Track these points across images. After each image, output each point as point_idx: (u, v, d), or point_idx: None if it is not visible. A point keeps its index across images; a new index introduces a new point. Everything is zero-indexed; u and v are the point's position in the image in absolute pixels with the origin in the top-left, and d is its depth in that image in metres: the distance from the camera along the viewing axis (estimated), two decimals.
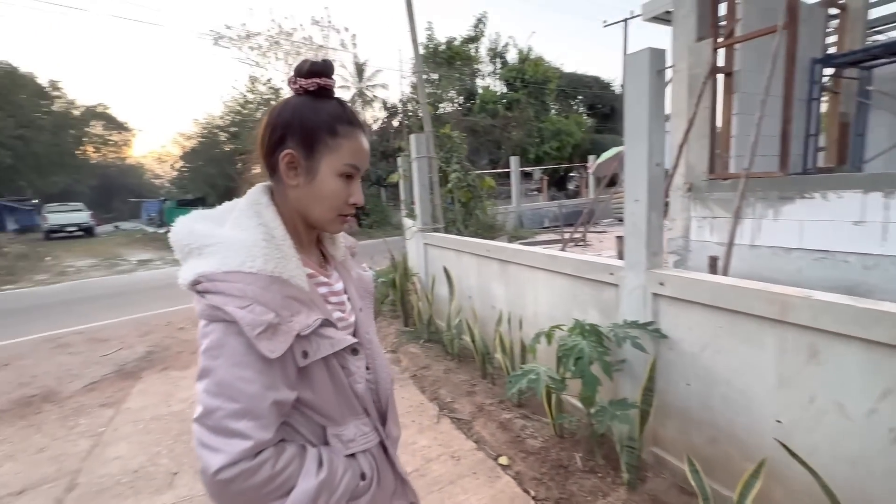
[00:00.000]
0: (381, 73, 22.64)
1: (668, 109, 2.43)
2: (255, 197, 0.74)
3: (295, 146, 0.71)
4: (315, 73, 0.71)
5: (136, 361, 4.13)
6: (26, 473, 2.45)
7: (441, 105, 21.08)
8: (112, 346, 4.65)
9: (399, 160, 7.04)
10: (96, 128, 28.64)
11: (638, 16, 22.45)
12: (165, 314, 5.79)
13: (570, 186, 27.32)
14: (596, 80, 24.80)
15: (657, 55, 1.90)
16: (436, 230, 4.40)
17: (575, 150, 21.62)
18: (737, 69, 4.27)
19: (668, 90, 3.87)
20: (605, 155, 9.29)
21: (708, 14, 4.30)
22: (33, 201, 26.40)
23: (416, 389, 3.20)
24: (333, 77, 0.72)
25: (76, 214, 20.04)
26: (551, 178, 23.67)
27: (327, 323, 0.70)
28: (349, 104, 0.74)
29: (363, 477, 0.74)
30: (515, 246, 3.00)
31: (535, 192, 21.08)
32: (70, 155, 22.15)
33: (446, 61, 21.27)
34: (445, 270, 3.59)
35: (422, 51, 22.77)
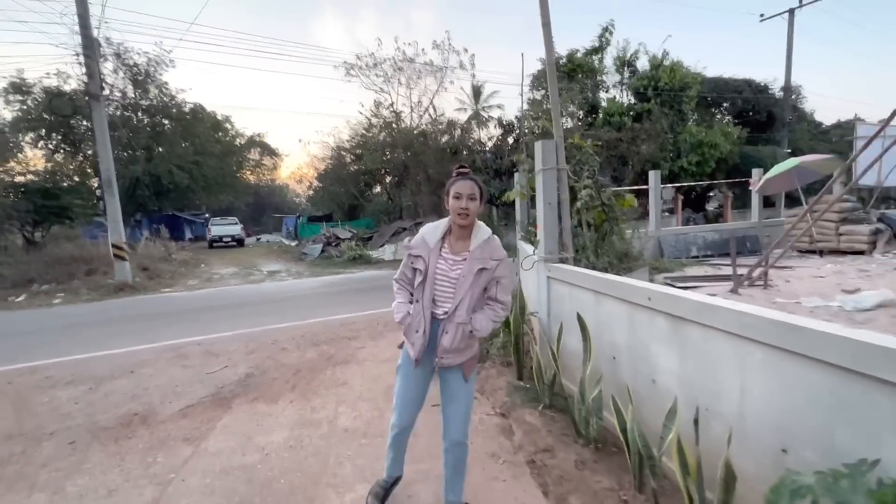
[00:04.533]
0: (498, 93, 22.36)
1: None
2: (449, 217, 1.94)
3: (446, 194, 1.90)
4: (459, 167, 1.96)
5: (233, 385, 3.95)
6: None
7: (561, 120, 19.92)
8: (220, 362, 4.62)
9: (516, 176, 6.28)
10: (253, 154, 33.54)
11: (808, 3, 18.61)
12: (274, 331, 5.77)
13: (709, 207, 23.56)
14: (748, 83, 21.12)
15: None
16: (563, 261, 3.47)
17: (719, 166, 18.51)
18: None
19: None
20: (779, 168, 7.29)
21: None
22: (205, 215, 31.85)
23: (533, 485, 2.29)
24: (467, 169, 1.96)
25: (231, 227, 23.36)
26: (686, 198, 20.64)
27: (420, 257, 1.86)
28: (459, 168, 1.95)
29: (403, 318, 1.90)
30: (699, 297, 1.96)
31: (667, 214, 18.48)
32: (232, 177, 26.05)
33: (566, 74, 20.13)
34: (579, 319, 2.65)
35: (540, 66, 22.02)
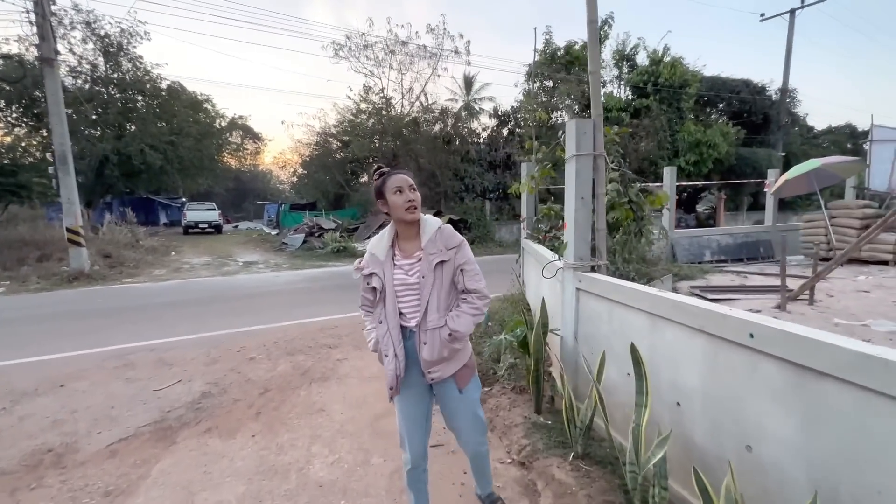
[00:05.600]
0: (490, 85, 21.62)
1: None
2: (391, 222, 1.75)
3: (379, 197, 1.69)
4: (377, 170, 1.74)
5: (183, 409, 3.21)
6: None
7: (555, 114, 19.36)
8: (172, 375, 3.87)
9: (524, 167, 5.62)
10: (234, 137, 32.12)
11: (810, 4, 18.37)
12: (243, 336, 5.02)
13: (699, 209, 23.35)
14: (746, 83, 20.84)
15: None
16: (594, 269, 2.83)
17: (716, 166, 18.21)
18: None
19: None
20: (799, 169, 6.81)
21: None
22: (182, 199, 30.43)
23: None
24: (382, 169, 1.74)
25: (209, 213, 22.19)
26: (679, 199, 20.34)
27: (375, 274, 1.68)
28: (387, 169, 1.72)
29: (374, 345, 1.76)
30: (854, 344, 1.34)
31: (658, 213, 18.12)
32: (210, 160, 24.70)
33: (563, 66, 19.53)
34: (634, 351, 2.01)
35: (537, 57, 21.36)
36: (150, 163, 18.49)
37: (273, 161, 38.43)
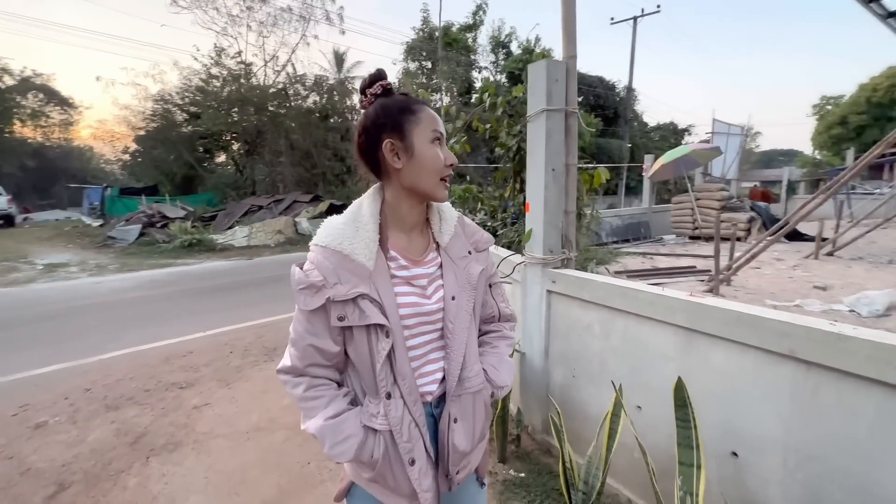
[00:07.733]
0: (363, 63, 20.11)
1: None
2: (369, 191, 0.88)
3: (389, 134, 0.80)
4: (376, 80, 0.84)
5: None
6: None
7: (435, 96, 18.94)
8: None
9: None
10: (31, 101, 24.77)
11: (651, 13, 20.95)
12: (26, 385, 3.26)
13: None
14: (601, 80, 23.19)
15: None
16: (565, 263, 2.18)
17: (582, 154, 19.92)
18: None
19: None
20: (672, 154, 7.34)
21: None
22: None
23: None
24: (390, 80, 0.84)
25: None
26: None
27: (366, 297, 0.78)
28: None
29: (367, 450, 0.82)
30: None
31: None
32: None
33: (443, 48, 19.18)
34: (680, 389, 1.37)
35: (415, 35, 20.53)
36: None
37: (94, 135, 30.70)
